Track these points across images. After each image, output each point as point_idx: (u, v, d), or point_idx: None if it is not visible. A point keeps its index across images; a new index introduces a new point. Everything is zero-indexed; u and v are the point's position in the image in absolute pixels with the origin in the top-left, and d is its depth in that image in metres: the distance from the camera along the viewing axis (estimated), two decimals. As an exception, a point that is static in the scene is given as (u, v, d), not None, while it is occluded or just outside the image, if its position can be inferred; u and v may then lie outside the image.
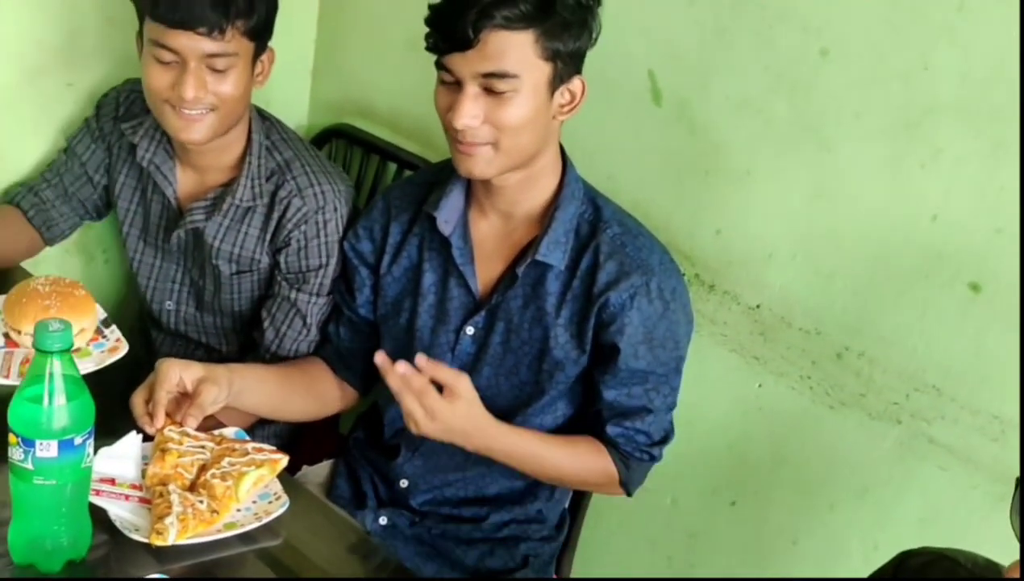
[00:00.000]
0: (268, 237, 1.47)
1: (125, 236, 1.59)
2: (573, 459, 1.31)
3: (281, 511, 1.11)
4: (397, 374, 1.13)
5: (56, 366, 0.90)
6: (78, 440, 0.93)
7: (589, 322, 1.25)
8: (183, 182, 1.52)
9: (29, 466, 0.92)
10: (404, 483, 1.38)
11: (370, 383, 1.47)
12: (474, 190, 1.30)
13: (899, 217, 1.25)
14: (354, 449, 1.47)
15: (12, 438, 0.92)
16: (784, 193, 1.34)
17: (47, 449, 0.91)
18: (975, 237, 1.18)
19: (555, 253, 1.24)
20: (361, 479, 1.42)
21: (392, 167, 1.74)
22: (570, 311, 1.26)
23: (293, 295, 1.46)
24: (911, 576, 0.90)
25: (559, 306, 1.26)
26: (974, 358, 1.22)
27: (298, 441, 1.60)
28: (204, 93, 1.33)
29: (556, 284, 1.26)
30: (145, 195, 1.56)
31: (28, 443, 0.91)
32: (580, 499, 1.49)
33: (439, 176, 1.35)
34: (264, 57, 1.42)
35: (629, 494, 1.33)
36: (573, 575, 1.50)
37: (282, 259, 1.47)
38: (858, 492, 1.18)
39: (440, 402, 1.15)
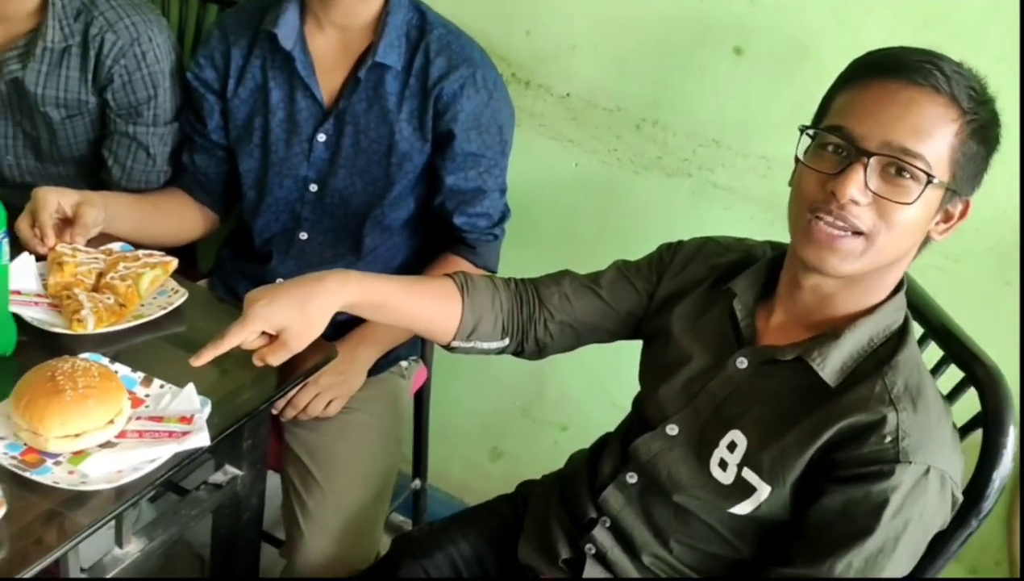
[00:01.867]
0: (90, 77, 1.50)
1: None
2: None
3: (181, 301, 1.25)
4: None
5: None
6: (-2, 237, 1.02)
7: (428, 113, 1.42)
8: None
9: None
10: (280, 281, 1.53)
11: (229, 206, 1.59)
12: (310, 6, 1.42)
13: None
14: (225, 264, 1.60)
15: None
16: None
17: (-30, 247, 1.00)
18: (733, 6, 1.43)
19: (391, 54, 1.40)
20: (237, 290, 1.55)
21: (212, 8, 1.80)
22: (410, 106, 1.43)
23: (131, 129, 1.53)
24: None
25: (400, 103, 1.42)
26: (742, 111, 1.49)
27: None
28: None
29: (395, 84, 1.42)
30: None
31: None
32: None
33: (270, 1, 1.45)
34: None
35: (491, 272, 1.54)
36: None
37: (109, 97, 1.51)
38: (667, 237, 1.43)
39: (312, 385, 1.39)
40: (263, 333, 1.09)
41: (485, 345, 1.18)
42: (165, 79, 1.51)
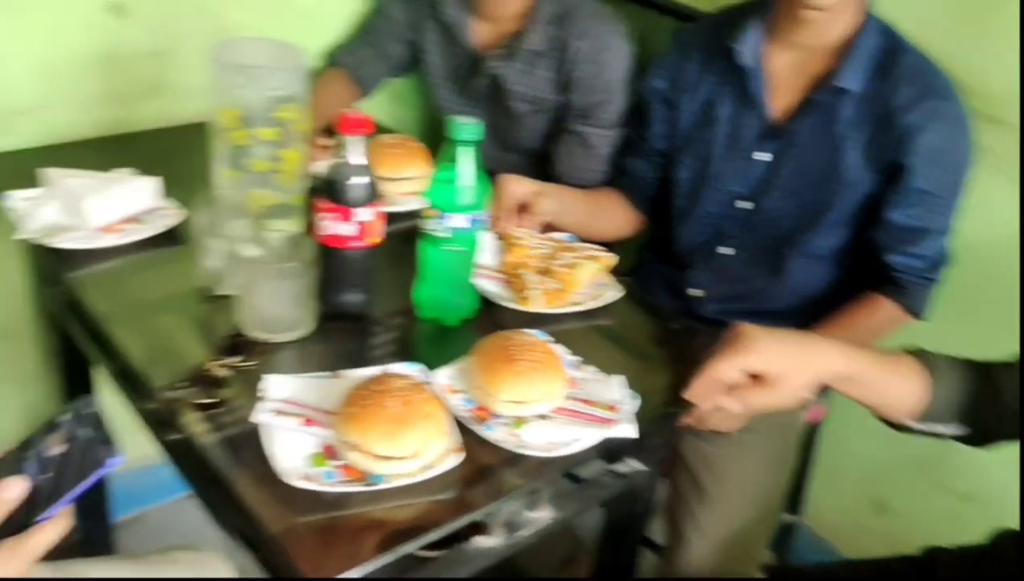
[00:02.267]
0: (558, 78, 1.65)
1: (435, 87, 1.81)
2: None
3: (616, 297, 1.32)
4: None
5: (466, 153, 1.12)
6: (478, 216, 1.15)
7: (882, 142, 1.36)
8: (480, 33, 1.71)
9: (442, 234, 1.15)
10: (698, 292, 1.56)
11: (656, 211, 1.65)
12: (776, 24, 1.42)
13: None
14: (645, 266, 1.66)
15: (429, 211, 1.15)
16: None
17: (457, 221, 1.14)
18: None
19: (854, 79, 1.36)
20: (655, 292, 1.61)
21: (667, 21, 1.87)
22: (864, 133, 1.38)
23: (581, 129, 1.65)
24: None
25: (853, 129, 1.38)
26: None
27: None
28: None
29: (850, 109, 1.38)
30: (449, 47, 1.77)
31: (443, 215, 1.13)
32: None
33: (730, 18, 1.48)
34: None
35: (919, 317, 1.44)
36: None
37: (570, 96, 1.65)
38: None
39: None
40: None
41: (941, 428, 1.04)
42: (620, 85, 1.61)
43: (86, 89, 1.58)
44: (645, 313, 1.35)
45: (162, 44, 1.63)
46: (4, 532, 0.70)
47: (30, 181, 1.37)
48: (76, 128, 1.60)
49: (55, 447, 0.75)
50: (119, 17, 1.56)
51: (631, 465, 1.27)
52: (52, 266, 1.27)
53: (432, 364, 1.11)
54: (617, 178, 1.66)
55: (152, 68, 1.64)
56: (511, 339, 1.09)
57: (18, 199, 1.35)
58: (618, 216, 1.63)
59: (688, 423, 1.43)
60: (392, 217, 1.40)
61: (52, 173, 1.37)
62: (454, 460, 0.98)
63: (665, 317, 1.35)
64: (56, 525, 0.72)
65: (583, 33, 1.60)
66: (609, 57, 1.60)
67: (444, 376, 1.10)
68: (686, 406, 1.19)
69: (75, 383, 1.65)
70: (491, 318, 1.25)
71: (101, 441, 0.75)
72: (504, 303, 1.27)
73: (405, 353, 1.16)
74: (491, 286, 1.30)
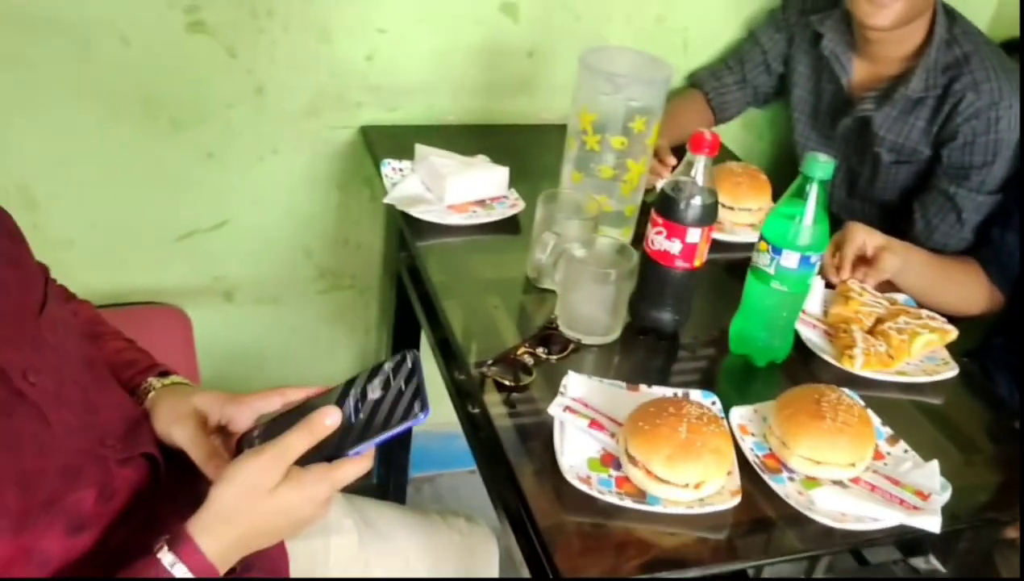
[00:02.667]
0: (934, 129, 1.51)
1: (795, 121, 1.75)
2: None
3: (950, 375, 1.19)
4: None
5: (815, 191, 1.06)
6: (813, 258, 1.09)
7: None
8: (858, 71, 1.62)
9: (771, 271, 1.10)
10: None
11: (1018, 292, 1.47)
12: None
13: None
14: (993, 351, 1.49)
15: (763, 245, 1.11)
16: None
17: (790, 259, 1.09)
18: None
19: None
20: (998, 382, 1.44)
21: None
22: None
23: (951, 189, 1.50)
24: None
25: None
26: None
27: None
28: None
29: None
30: (819, 83, 1.69)
31: (776, 251, 1.09)
32: None
33: None
34: None
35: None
36: None
37: (945, 152, 1.50)
38: None
39: None
40: None
41: None
42: (1007, 149, 1.45)
43: (467, 79, 1.72)
44: (981, 401, 1.20)
45: (540, 46, 1.73)
46: (315, 456, 0.78)
47: (406, 153, 1.53)
48: (450, 112, 1.74)
49: (374, 391, 0.82)
50: (509, 17, 1.68)
51: (931, 563, 1.15)
52: (406, 232, 1.40)
53: (731, 400, 1.08)
54: (980, 247, 1.49)
55: (526, 67, 1.75)
56: (823, 394, 1.03)
57: (392, 168, 1.51)
58: (971, 289, 1.47)
59: (1011, 536, 1.26)
60: (723, 244, 1.38)
61: (423, 150, 1.51)
62: (732, 501, 0.94)
63: (1007, 412, 1.20)
64: (361, 462, 0.78)
65: (976, 84, 1.45)
66: (1002, 115, 1.44)
67: (741, 415, 1.06)
68: (1011, 516, 1.05)
69: (404, 341, 1.81)
70: (804, 367, 1.19)
71: (414, 395, 0.79)
72: (822, 355, 1.20)
73: (706, 382, 1.14)
74: (812, 335, 1.23)
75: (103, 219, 1.63)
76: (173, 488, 0.88)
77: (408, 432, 0.81)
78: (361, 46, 1.62)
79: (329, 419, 0.78)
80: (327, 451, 0.78)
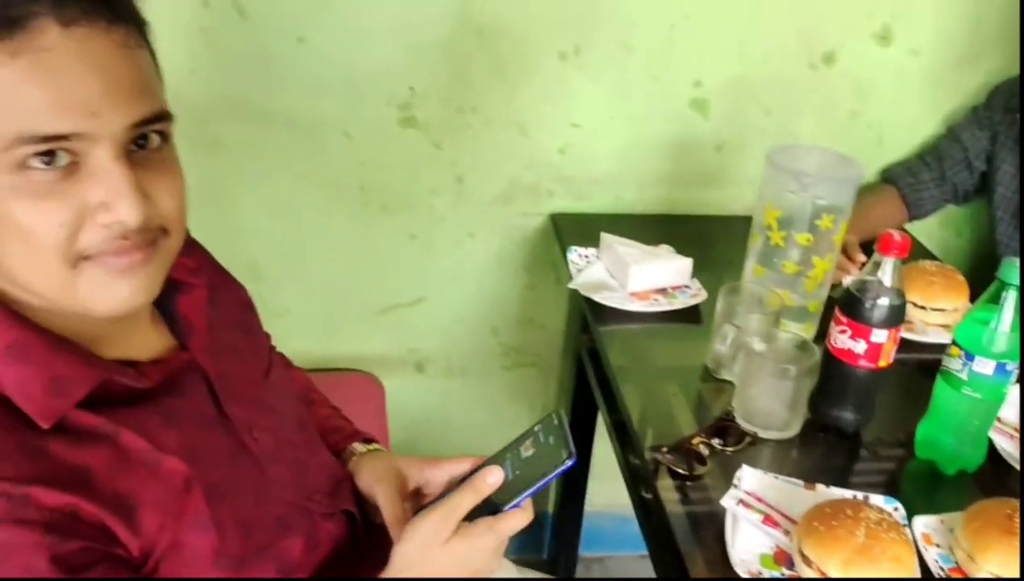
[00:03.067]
0: None
1: (997, 221, 1.68)
2: None
3: None
4: None
5: (1011, 297, 1.03)
6: (1010, 366, 1.06)
7: None
8: None
9: (964, 376, 1.07)
10: None
11: None
12: None
13: None
14: None
15: (955, 350, 1.08)
16: None
17: (984, 366, 1.06)
18: None
19: None
20: None
21: None
22: None
23: None
24: None
25: None
26: None
27: None
28: None
29: None
30: (1025, 183, 1.63)
31: (969, 357, 1.06)
32: None
33: None
34: None
35: None
36: None
37: None
38: None
39: None
40: None
41: None
42: None
43: (654, 170, 1.78)
44: None
45: (729, 140, 1.77)
46: (481, 511, 0.85)
47: (592, 241, 1.60)
48: (637, 203, 1.81)
49: (527, 450, 0.89)
50: (699, 113, 1.74)
51: None
52: (588, 316, 1.46)
53: (914, 507, 1.05)
54: None
55: (714, 160, 1.79)
56: (1017, 509, 0.98)
57: (578, 254, 1.58)
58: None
59: None
60: (914, 344, 1.35)
61: (608, 238, 1.57)
62: (912, 614, 0.92)
63: None
64: (521, 515, 0.85)
65: None
66: None
67: (925, 524, 1.03)
68: None
69: (581, 420, 1.85)
70: (997, 478, 1.13)
71: (560, 446, 0.86)
72: (1018, 466, 1.14)
73: (888, 486, 1.11)
74: (1007, 444, 1.18)
75: (317, 291, 1.80)
76: (367, 545, 0.96)
77: (560, 476, 0.87)
78: (555, 140, 1.72)
79: (492, 477, 0.85)
80: (491, 506, 0.86)
